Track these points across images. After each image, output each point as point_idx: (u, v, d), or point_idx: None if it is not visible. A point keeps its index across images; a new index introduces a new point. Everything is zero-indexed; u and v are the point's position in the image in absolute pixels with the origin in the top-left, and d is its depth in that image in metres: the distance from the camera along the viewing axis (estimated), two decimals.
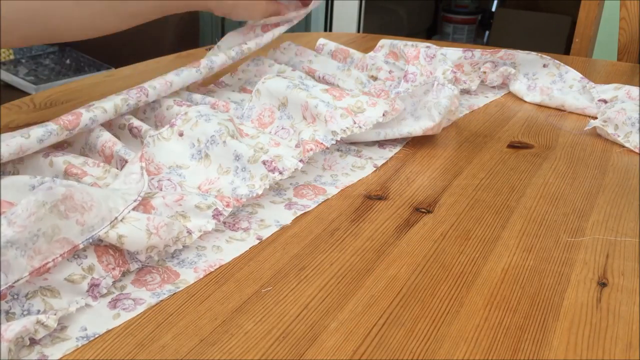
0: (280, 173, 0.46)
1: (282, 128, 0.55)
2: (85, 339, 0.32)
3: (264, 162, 0.47)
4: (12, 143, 0.44)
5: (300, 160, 0.48)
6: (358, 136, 0.56)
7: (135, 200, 0.39)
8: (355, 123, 0.53)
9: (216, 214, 0.42)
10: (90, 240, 0.35)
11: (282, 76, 0.59)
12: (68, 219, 0.35)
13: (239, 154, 0.48)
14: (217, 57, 0.62)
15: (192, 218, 0.41)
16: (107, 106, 0.50)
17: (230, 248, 0.41)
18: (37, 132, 0.45)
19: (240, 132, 0.51)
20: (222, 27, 2.78)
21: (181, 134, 0.50)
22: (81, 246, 0.35)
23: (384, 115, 0.54)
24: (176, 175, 0.48)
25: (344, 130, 0.52)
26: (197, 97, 0.60)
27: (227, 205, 0.43)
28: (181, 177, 0.48)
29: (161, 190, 0.45)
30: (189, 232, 0.40)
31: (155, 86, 0.55)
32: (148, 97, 0.54)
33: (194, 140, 0.49)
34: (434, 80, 0.59)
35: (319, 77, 0.71)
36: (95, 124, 0.49)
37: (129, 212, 0.38)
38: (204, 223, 0.41)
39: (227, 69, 0.70)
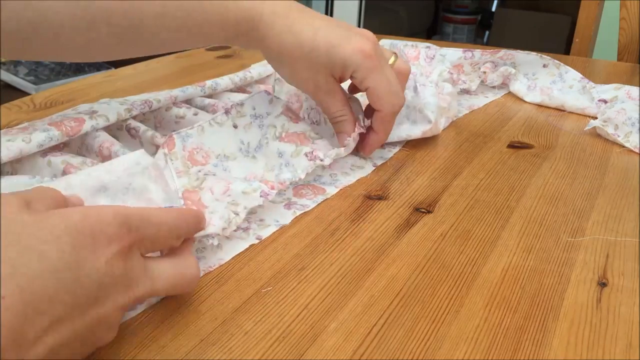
0: (321, 160, 0.49)
1: (312, 108, 0.56)
2: None
3: (306, 154, 0.49)
4: (13, 147, 0.44)
5: (343, 147, 0.51)
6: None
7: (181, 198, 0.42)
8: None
9: (264, 194, 0.43)
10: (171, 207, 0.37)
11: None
12: (156, 184, 0.37)
13: (282, 151, 0.50)
14: (222, 80, 0.65)
15: (242, 203, 0.42)
16: (110, 115, 0.51)
17: (230, 248, 0.41)
18: (38, 137, 0.45)
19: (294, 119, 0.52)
20: None
21: (236, 127, 0.51)
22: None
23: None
24: (222, 170, 0.48)
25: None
26: (196, 100, 0.60)
27: (272, 188, 0.44)
28: (227, 172, 0.48)
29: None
30: (236, 214, 0.41)
31: (160, 99, 0.56)
32: (151, 109, 0.55)
33: (244, 140, 0.51)
34: (414, 82, 0.59)
35: None
36: (95, 130, 0.50)
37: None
38: (254, 202, 0.43)
39: (225, 70, 0.70)
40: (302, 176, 0.47)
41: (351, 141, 0.51)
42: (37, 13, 0.42)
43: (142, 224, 0.30)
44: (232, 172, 0.48)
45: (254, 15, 0.48)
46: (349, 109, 0.52)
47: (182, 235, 0.34)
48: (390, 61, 0.52)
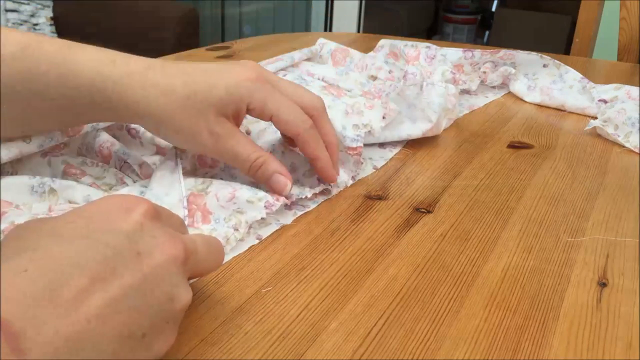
0: (330, 187, 0.48)
1: None
2: None
3: (318, 179, 0.48)
4: (13, 147, 0.44)
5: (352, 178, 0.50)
6: None
7: (183, 217, 0.41)
8: (360, 128, 0.52)
9: (268, 205, 0.43)
10: None
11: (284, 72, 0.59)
12: None
13: (296, 166, 0.49)
14: None
15: (247, 212, 0.42)
16: None
17: (230, 248, 0.40)
18: (38, 137, 0.45)
19: None
20: (222, 27, 2.78)
21: (248, 132, 0.50)
22: None
23: (383, 118, 0.55)
24: (228, 176, 0.48)
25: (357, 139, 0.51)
26: None
27: (277, 200, 0.43)
28: (233, 178, 0.48)
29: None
30: (236, 229, 0.41)
31: None
32: None
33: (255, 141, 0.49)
34: (422, 81, 0.59)
35: (319, 79, 0.71)
36: (95, 130, 0.50)
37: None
38: (257, 214, 0.42)
39: None
40: (309, 195, 0.46)
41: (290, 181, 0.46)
42: None
43: (155, 205, 0.31)
44: (238, 179, 0.48)
45: (99, 84, 0.41)
46: (259, 147, 0.45)
47: (184, 224, 0.35)
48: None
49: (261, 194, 0.43)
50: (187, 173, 0.46)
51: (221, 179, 0.46)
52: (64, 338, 0.23)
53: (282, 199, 0.44)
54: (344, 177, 0.49)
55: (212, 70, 0.43)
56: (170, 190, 0.43)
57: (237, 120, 0.44)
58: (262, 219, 0.43)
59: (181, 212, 0.41)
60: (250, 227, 0.42)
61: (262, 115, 0.44)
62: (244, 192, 0.43)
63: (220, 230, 0.41)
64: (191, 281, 0.37)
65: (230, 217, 0.42)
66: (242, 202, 0.42)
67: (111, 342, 0.25)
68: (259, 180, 0.45)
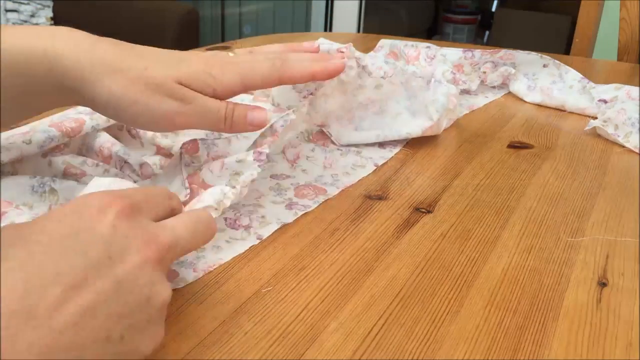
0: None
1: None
2: None
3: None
4: (13, 148, 0.44)
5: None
6: (357, 138, 0.56)
7: (186, 196, 0.42)
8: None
9: (257, 157, 0.43)
10: None
11: None
12: None
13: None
14: None
15: (243, 172, 0.43)
16: None
17: (230, 248, 0.41)
18: (38, 137, 0.45)
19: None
20: (222, 27, 2.78)
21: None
22: None
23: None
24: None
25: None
26: None
27: (262, 147, 0.44)
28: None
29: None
30: (233, 187, 0.41)
31: None
32: None
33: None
34: (432, 77, 0.59)
35: None
36: (95, 131, 0.50)
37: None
38: (252, 172, 0.43)
39: None
40: (294, 117, 0.46)
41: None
42: None
43: (127, 193, 0.30)
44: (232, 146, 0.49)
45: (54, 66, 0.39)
46: (224, 102, 0.43)
47: (172, 194, 0.34)
48: (231, 54, 0.47)
49: (247, 153, 0.44)
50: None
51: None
52: (37, 351, 0.23)
53: (266, 146, 0.44)
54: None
55: (165, 54, 0.43)
56: (173, 178, 0.44)
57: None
58: (260, 213, 0.43)
59: (184, 193, 0.42)
60: (245, 212, 0.44)
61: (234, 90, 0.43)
62: (232, 157, 0.44)
63: (217, 188, 0.41)
64: (190, 280, 0.37)
65: (230, 182, 0.42)
66: (233, 164, 0.43)
67: (87, 349, 0.25)
68: (236, 127, 0.43)
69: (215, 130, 0.44)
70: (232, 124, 0.43)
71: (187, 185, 0.43)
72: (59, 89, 0.40)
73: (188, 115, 0.41)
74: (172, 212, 0.33)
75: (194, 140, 0.47)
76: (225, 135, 0.48)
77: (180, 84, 0.41)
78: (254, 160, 0.43)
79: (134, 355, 0.27)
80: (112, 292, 0.26)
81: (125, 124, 0.44)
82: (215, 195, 0.40)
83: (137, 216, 0.30)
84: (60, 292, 0.25)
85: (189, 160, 0.46)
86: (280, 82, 0.45)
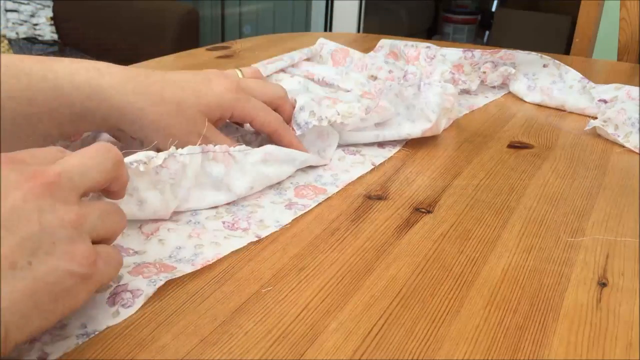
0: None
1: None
2: (85, 336, 0.32)
3: None
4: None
5: None
6: (356, 138, 0.56)
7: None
8: (338, 114, 0.54)
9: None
10: None
11: (290, 75, 0.59)
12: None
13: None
14: None
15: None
16: None
17: (228, 243, 0.40)
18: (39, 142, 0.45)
19: None
20: (222, 27, 2.78)
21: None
22: None
23: (366, 110, 0.54)
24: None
25: (327, 119, 0.53)
26: None
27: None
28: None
29: None
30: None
31: None
32: None
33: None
34: (420, 81, 0.59)
35: (318, 80, 0.71)
36: (95, 132, 0.50)
37: None
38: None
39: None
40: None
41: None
42: None
43: (20, 156, 0.31)
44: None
45: (87, 92, 0.44)
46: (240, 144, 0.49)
47: (64, 152, 0.33)
48: (240, 76, 0.54)
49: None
50: None
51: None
52: None
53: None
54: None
55: (194, 80, 0.48)
56: None
57: (217, 124, 0.49)
58: (258, 216, 0.43)
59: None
60: (244, 216, 0.44)
61: (243, 120, 0.50)
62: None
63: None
64: (187, 271, 0.37)
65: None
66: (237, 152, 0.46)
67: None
68: None
69: None
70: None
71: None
72: (100, 118, 0.45)
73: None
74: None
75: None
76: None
77: (206, 117, 0.48)
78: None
79: (65, 272, 0.28)
80: (1, 229, 0.27)
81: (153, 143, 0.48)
82: (148, 153, 0.40)
83: (21, 163, 0.30)
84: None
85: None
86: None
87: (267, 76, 0.71)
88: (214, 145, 0.45)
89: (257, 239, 0.41)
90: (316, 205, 0.46)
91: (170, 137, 0.46)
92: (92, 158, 0.32)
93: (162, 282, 0.36)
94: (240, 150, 0.47)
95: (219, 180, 0.45)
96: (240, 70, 0.57)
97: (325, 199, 0.47)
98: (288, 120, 0.53)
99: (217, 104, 0.48)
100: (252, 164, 0.47)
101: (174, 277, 0.36)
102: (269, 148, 0.48)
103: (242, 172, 0.46)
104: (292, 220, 0.44)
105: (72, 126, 0.45)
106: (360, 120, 0.54)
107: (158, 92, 0.46)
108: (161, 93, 0.46)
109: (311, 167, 0.52)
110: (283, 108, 0.53)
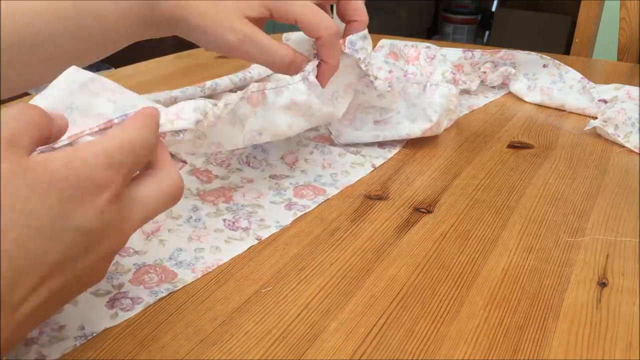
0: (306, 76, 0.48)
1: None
2: (83, 338, 0.32)
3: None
4: None
5: None
6: (356, 137, 0.56)
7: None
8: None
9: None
10: (125, 118, 0.34)
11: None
12: (99, 97, 0.34)
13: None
14: (222, 80, 0.65)
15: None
16: None
17: (229, 248, 0.41)
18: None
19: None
20: None
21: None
22: (116, 121, 0.33)
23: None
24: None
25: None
26: (195, 99, 0.60)
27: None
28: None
29: None
30: (215, 104, 0.39)
31: (160, 100, 0.56)
32: None
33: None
34: (427, 82, 0.58)
35: None
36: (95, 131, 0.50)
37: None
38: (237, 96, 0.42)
39: (225, 71, 0.70)
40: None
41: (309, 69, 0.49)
42: None
43: (124, 157, 0.29)
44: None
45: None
46: (287, 46, 0.48)
47: (155, 146, 0.32)
48: None
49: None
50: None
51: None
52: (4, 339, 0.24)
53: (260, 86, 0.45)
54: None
55: None
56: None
57: (259, 24, 0.48)
58: (259, 216, 0.43)
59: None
60: (244, 215, 0.42)
61: (287, 18, 0.47)
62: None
63: (199, 103, 0.38)
64: (189, 281, 0.37)
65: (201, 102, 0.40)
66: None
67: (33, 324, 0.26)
68: (287, 71, 0.49)
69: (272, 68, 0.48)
70: (286, 69, 0.48)
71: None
72: (154, 24, 0.47)
73: (244, 49, 0.47)
74: (148, 166, 0.32)
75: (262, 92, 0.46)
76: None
77: (244, 15, 0.47)
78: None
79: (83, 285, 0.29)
80: (75, 280, 0.27)
81: (194, 41, 0.49)
82: (196, 115, 0.37)
83: (124, 194, 0.29)
84: (35, 283, 0.25)
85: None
86: (314, 36, 0.49)
87: (268, 76, 0.71)
88: (252, 85, 0.44)
89: (257, 241, 0.41)
90: (316, 206, 0.46)
91: (205, 33, 0.46)
92: (166, 200, 0.31)
93: (163, 294, 0.36)
94: (273, 88, 0.45)
95: (240, 119, 0.44)
96: None
97: (326, 199, 0.47)
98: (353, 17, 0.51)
99: (259, 3, 0.46)
100: (276, 108, 0.46)
101: (176, 288, 0.36)
102: (297, 97, 0.47)
103: (257, 117, 0.45)
104: (292, 220, 0.44)
105: (115, 41, 0.47)
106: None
107: None
108: None
109: (310, 166, 0.52)
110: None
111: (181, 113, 0.36)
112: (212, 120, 0.39)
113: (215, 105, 0.39)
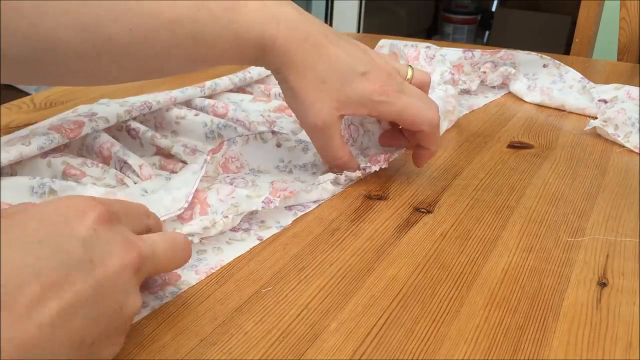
0: (339, 184, 0.49)
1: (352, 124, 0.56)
2: None
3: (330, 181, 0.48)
4: (12, 151, 0.44)
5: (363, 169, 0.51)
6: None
7: (180, 209, 0.41)
8: None
9: (267, 202, 0.43)
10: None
11: None
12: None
13: (316, 163, 0.51)
14: (222, 80, 0.65)
15: (243, 205, 0.42)
16: (110, 117, 0.51)
17: (231, 249, 0.40)
18: (38, 140, 0.45)
19: None
20: None
21: (279, 146, 0.51)
22: None
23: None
24: (252, 175, 0.49)
25: None
26: (196, 100, 0.60)
27: (278, 196, 0.43)
28: (256, 176, 0.49)
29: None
30: (225, 216, 0.41)
31: (160, 100, 0.56)
32: (151, 110, 0.55)
33: (284, 158, 0.51)
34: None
35: None
36: (95, 132, 0.50)
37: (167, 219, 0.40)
38: (251, 206, 0.42)
39: (225, 71, 0.70)
40: (312, 193, 0.46)
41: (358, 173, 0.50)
42: (42, 40, 0.40)
43: (108, 201, 0.31)
44: (260, 178, 0.48)
45: (264, 41, 0.45)
46: (347, 149, 0.49)
47: (150, 213, 0.35)
48: (408, 76, 0.50)
49: (262, 190, 0.44)
50: (207, 178, 0.46)
51: (242, 179, 0.48)
52: (16, 346, 0.23)
53: (284, 195, 0.44)
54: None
55: (348, 64, 0.46)
56: (183, 186, 0.43)
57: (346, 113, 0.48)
58: (259, 217, 0.43)
59: (179, 205, 0.41)
60: (245, 217, 0.43)
61: (386, 119, 0.51)
62: (245, 190, 0.44)
63: (210, 216, 0.41)
64: (193, 283, 0.37)
65: (228, 210, 0.42)
66: (241, 197, 0.43)
67: (62, 349, 0.25)
68: (330, 168, 0.50)
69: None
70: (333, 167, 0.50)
71: (189, 199, 0.42)
72: (260, 63, 0.47)
73: (315, 137, 0.48)
74: (148, 231, 0.34)
75: (222, 142, 0.48)
76: (246, 134, 0.50)
77: (340, 111, 0.47)
78: (262, 203, 0.43)
79: None
80: (91, 294, 0.26)
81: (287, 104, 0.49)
82: (204, 222, 0.40)
83: (117, 224, 0.30)
84: (40, 290, 0.25)
85: (211, 170, 0.47)
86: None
87: (268, 76, 0.71)
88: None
89: (259, 241, 0.41)
90: (316, 206, 0.46)
91: (300, 104, 0.46)
92: (172, 252, 0.33)
93: (169, 298, 0.35)
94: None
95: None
96: (412, 68, 0.51)
97: (325, 200, 0.47)
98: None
99: (358, 102, 0.46)
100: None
101: (180, 291, 0.36)
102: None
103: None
104: (292, 220, 0.44)
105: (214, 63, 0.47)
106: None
107: (312, 64, 0.45)
108: (313, 65, 0.45)
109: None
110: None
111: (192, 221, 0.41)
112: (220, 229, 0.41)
113: (227, 217, 0.41)
